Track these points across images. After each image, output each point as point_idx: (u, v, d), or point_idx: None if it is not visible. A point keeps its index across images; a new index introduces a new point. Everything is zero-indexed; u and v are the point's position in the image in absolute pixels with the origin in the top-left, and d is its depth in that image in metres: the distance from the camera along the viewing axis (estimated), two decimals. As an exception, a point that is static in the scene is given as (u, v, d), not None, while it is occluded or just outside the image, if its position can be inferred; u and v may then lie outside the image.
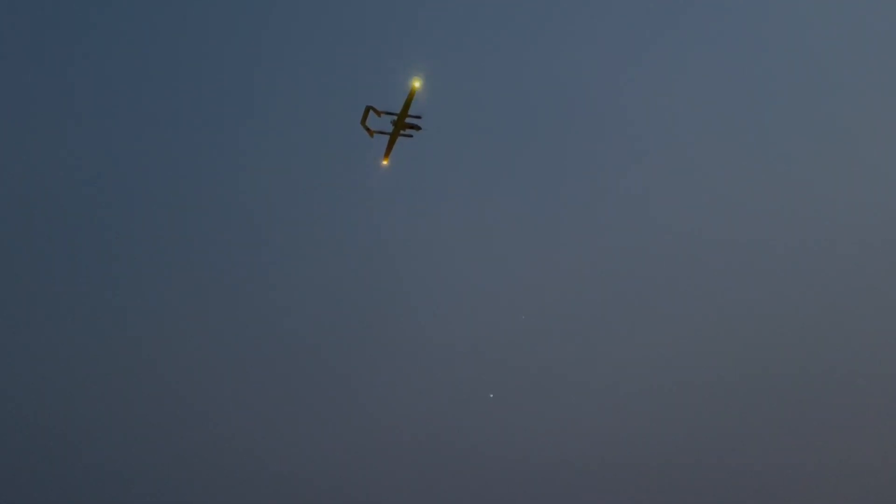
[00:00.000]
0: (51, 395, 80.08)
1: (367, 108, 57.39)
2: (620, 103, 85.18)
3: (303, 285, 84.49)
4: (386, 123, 58.21)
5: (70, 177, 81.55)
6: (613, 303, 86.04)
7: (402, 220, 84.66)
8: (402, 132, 58.44)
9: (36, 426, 79.40)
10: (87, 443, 79.64)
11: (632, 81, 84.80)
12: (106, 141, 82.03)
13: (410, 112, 57.35)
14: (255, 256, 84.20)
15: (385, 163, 60.61)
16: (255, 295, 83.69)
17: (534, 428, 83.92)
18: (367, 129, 58.40)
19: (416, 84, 55.72)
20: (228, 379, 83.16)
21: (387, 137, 58.90)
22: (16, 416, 79.16)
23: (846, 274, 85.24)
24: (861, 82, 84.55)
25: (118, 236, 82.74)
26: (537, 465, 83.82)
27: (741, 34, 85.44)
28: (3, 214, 79.90)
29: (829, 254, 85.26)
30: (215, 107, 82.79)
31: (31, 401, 79.74)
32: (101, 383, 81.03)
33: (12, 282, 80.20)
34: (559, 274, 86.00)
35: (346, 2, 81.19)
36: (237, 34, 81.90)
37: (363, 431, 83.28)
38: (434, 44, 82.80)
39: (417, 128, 58.40)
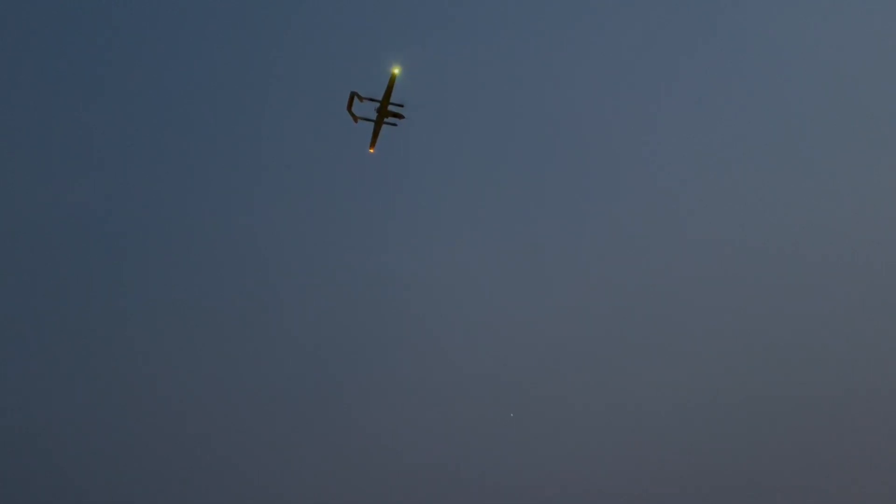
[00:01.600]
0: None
1: (352, 94, 60.39)
2: (641, 141, 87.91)
3: (316, 316, 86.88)
4: (370, 111, 61.05)
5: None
6: (629, 334, 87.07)
7: (420, 252, 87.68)
8: (385, 120, 61.12)
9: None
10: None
11: (651, 115, 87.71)
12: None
13: (393, 100, 60.09)
14: (267, 292, 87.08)
15: (371, 151, 63.33)
16: (271, 329, 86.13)
17: (549, 456, 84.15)
18: (353, 115, 61.27)
19: (396, 71, 58.60)
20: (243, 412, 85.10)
21: (372, 125, 61.75)
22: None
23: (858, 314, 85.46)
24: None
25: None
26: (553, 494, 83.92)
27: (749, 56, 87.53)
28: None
29: (836, 296, 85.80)
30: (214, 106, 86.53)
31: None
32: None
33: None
34: (576, 305, 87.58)
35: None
36: (228, 25, 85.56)
37: (380, 464, 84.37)
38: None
39: (401, 116, 60.95)
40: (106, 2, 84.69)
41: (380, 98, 60.44)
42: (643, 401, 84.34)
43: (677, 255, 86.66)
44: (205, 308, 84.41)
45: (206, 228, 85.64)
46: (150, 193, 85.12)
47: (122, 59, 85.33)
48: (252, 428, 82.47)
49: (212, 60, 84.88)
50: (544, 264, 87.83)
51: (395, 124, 62.08)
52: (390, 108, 60.81)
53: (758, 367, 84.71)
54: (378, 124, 61.92)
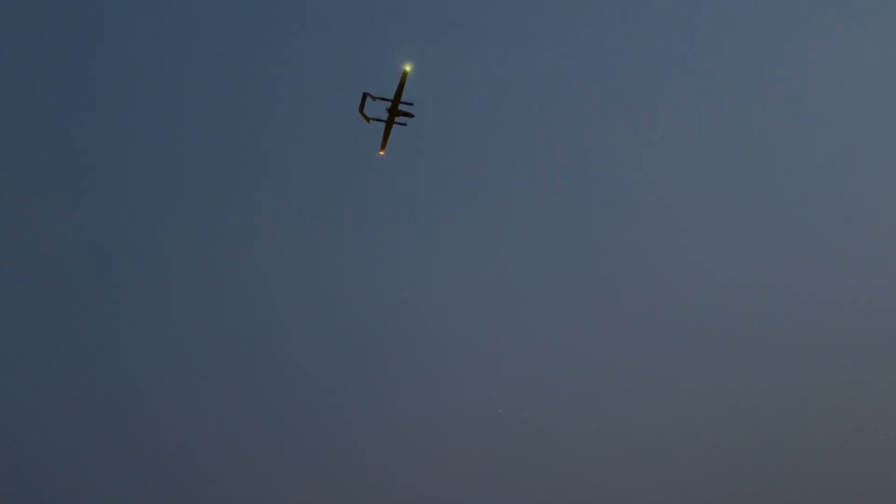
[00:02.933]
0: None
1: (365, 95, 63.31)
2: (641, 172, 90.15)
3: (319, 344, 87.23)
4: (381, 111, 63.96)
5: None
6: (637, 361, 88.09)
7: (426, 275, 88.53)
8: (395, 119, 64.08)
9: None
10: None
11: (653, 147, 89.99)
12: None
13: (403, 99, 63.21)
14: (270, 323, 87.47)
15: (382, 153, 66.02)
16: (274, 354, 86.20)
17: (554, 483, 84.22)
18: (364, 116, 64.08)
19: (407, 68, 61.85)
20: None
21: (383, 125, 64.56)
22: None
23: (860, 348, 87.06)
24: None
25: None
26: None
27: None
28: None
29: (851, 330, 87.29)
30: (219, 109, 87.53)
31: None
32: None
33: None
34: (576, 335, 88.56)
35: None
36: (236, 29, 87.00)
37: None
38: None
39: (410, 115, 64.00)
40: (108, 12, 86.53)
41: (391, 97, 63.65)
42: (653, 428, 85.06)
43: (689, 282, 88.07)
44: (204, 336, 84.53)
45: (207, 251, 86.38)
46: (149, 217, 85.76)
47: (120, 71, 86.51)
48: (253, 457, 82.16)
49: (215, 68, 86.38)
50: (552, 288, 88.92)
51: (405, 124, 65.02)
52: (401, 107, 63.97)
53: (768, 398, 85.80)
54: (389, 124, 64.76)
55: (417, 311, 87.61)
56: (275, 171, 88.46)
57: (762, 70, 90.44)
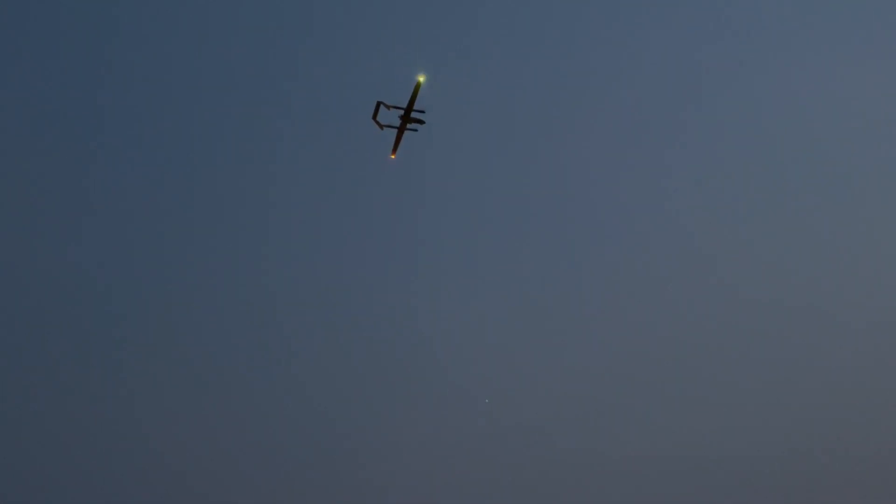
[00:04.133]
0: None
1: (378, 104, 65.92)
2: (655, 193, 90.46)
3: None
4: (393, 118, 66.68)
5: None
6: (641, 390, 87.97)
7: (431, 305, 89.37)
8: (407, 126, 66.96)
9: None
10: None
11: (667, 170, 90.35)
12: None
13: (416, 107, 66.06)
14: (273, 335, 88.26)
15: (393, 157, 68.92)
16: (277, 383, 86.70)
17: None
18: (378, 124, 66.77)
19: (421, 79, 64.56)
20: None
21: (394, 131, 67.38)
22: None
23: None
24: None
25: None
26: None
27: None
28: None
29: (860, 354, 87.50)
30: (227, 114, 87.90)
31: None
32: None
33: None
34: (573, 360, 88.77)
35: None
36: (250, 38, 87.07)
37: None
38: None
39: (421, 122, 66.90)
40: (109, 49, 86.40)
41: (404, 105, 66.42)
42: (658, 458, 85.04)
43: (703, 303, 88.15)
44: (204, 371, 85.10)
45: (209, 284, 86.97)
46: (155, 227, 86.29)
47: (126, 80, 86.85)
48: (257, 487, 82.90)
49: (228, 79, 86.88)
50: (555, 319, 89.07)
51: (415, 129, 67.95)
52: (413, 114, 66.81)
53: (772, 429, 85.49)
54: (401, 130, 67.63)
55: (427, 333, 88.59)
56: (285, 192, 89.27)
57: (781, 86, 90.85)
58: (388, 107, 65.75)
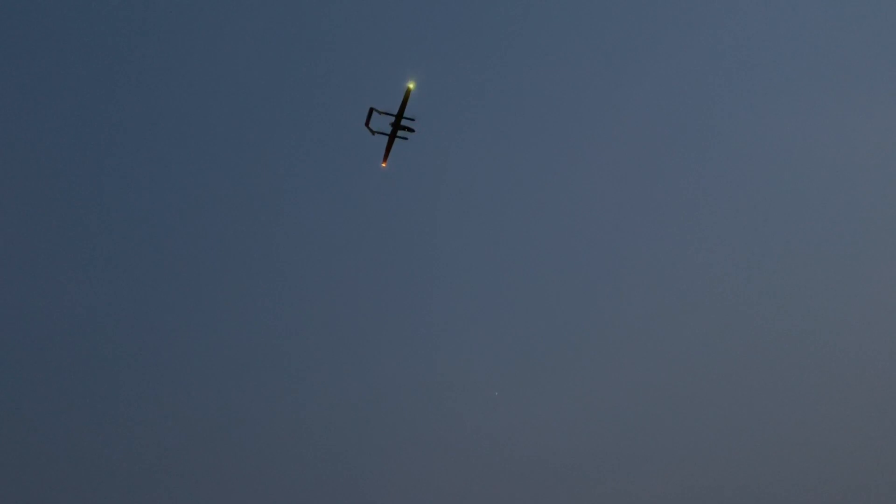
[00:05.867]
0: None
1: (371, 110, 69.19)
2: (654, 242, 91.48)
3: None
4: (385, 125, 69.83)
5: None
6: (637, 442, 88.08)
7: (422, 357, 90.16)
8: (398, 134, 69.96)
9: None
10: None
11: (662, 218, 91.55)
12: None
13: (406, 114, 69.17)
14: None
15: (384, 165, 71.75)
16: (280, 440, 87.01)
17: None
18: (370, 129, 69.90)
19: (411, 86, 67.87)
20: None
21: (386, 138, 70.35)
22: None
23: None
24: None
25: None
26: None
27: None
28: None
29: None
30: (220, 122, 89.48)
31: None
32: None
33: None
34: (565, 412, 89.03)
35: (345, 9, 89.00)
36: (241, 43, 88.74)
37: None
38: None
39: (412, 129, 69.89)
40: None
41: (395, 112, 69.60)
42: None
43: (699, 355, 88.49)
44: (206, 420, 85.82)
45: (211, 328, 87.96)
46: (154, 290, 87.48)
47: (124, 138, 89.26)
48: None
49: (227, 97, 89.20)
50: (548, 369, 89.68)
51: (405, 138, 70.87)
52: (403, 122, 69.92)
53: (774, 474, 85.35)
54: (392, 137, 70.66)
55: (429, 383, 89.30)
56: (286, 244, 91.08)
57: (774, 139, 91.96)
58: (379, 113, 68.90)
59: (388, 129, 69.68)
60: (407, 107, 68.40)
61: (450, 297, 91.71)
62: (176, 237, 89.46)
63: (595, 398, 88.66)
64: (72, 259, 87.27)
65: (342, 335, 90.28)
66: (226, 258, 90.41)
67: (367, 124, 69.58)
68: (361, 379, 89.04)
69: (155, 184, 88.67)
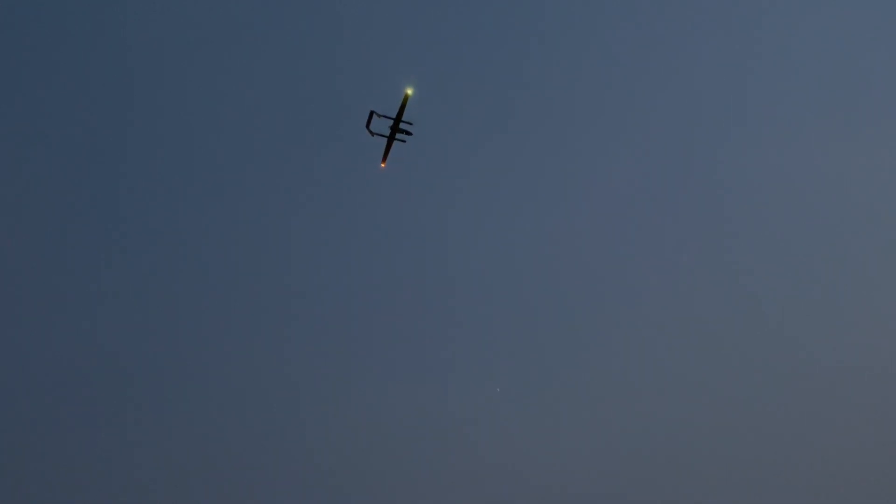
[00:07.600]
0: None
1: (371, 113, 73.72)
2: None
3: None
4: (384, 128, 74.27)
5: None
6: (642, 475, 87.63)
7: (428, 391, 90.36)
8: (396, 137, 74.41)
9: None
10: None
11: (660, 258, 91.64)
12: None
13: (404, 118, 73.62)
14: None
15: (383, 166, 76.20)
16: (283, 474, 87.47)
17: None
18: (370, 132, 74.39)
19: (409, 91, 72.39)
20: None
21: (385, 142, 74.83)
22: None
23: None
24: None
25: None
26: None
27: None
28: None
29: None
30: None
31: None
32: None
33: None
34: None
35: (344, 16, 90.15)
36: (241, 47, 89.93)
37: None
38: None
39: (409, 133, 74.36)
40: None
41: (393, 116, 74.09)
42: None
43: (690, 397, 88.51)
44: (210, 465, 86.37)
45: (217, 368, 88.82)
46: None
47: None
48: None
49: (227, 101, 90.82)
50: (553, 405, 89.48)
51: (404, 140, 75.40)
52: (401, 125, 74.47)
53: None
54: (390, 140, 75.24)
55: (428, 425, 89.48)
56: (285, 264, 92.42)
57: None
58: (379, 116, 73.42)
59: (388, 132, 74.15)
60: (405, 111, 72.98)
61: (462, 319, 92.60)
62: (177, 240, 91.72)
63: (614, 430, 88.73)
64: (72, 259, 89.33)
65: (349, 362, 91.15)
66: (227, 260, 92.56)
67: (367, 127, 74.01)
68: (371, 410, 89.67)
69: (155, 184, 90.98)
